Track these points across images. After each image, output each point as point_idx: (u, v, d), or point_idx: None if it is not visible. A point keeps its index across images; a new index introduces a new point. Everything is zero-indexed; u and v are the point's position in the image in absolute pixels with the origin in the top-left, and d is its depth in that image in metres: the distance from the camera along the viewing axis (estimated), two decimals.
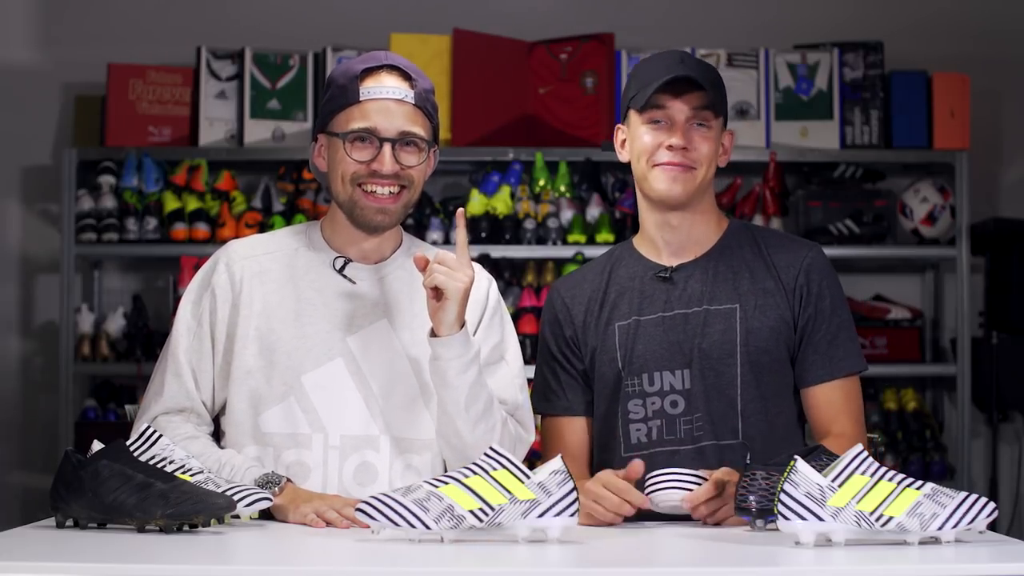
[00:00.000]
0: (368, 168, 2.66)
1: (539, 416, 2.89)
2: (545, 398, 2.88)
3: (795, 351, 2.78)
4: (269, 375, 2.66)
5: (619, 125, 2.86)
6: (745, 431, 2.72)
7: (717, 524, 2.52)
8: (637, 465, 2.55)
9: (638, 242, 2.89)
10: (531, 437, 2.77)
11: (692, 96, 2.75)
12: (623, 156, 2.85)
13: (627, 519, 2.56)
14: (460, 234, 2.62)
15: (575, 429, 2.86)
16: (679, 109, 2.75)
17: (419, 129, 2.68)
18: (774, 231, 2.92)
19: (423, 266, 2.57)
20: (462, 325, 2.59)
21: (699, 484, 2.52)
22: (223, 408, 2.72)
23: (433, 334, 2.59)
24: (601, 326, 2.83)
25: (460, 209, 2.65)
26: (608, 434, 2.80)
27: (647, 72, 2.79)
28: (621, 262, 2.88)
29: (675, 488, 2.52)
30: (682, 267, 2.82)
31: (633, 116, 2.80)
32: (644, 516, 2.59)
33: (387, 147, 2.65)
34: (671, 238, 2.83)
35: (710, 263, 2.81)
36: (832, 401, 2.76)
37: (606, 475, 2.57)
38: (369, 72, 2.67)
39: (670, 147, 2.75)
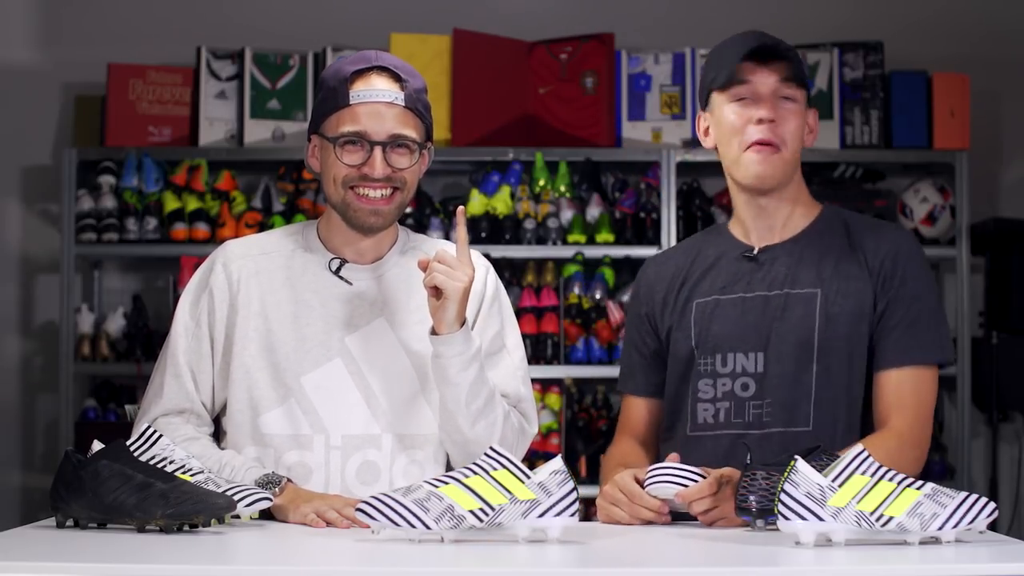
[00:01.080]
0: (359, 172, 2.65)
1: (619, 393, 2.97)
2: (620, 375, 2.93)
3: (874, 337, 2.70)
4: (269, 377, 2.66)
5: (701, 112, 2.82)
6: (817, 419, 2.66)
7: (712, 524, 2.51)
8: (673, 458, 2.55)
9: (732, 223, 2.87)
10: (534, 429, 2.78)
11: (777, 66, 2.71)
12: (707, 143, 2.80)
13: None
14: (460, 232, 2.62)
15: (640, 409, 2.88)
16: (764, 81, 2.71)
17: (410, 131, 2.67)
18: (865, 216, 2.86)
19: (425, 266, 2.57)
20: (463, 323, 2.59)
21: (696, 481, 2.50)
22: (223, 408, 2.72)
23: (434, 332, 2.60)
24: (680, 303, 2.81)
25: (460, 207, 2.65)
26: (675, 413, 2.79)
27: (726, 51, 2.76)
28: (710, 241, 2.87)
29: (670, 483, 2.50)
30: (768, 249, 2.79)
31: (716, 97, 2.76)
32: (676, 516, 2.56)
33: (377, 151, 2.64)
34: (761, 221, 2.80)
35: (797, 247, 2.77)
36: (897, 389, 2.66)
37: (623, 479, 2.56)
38: (359, 74, 2.66)
39: (759, 121, 2.70)
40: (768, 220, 2.79)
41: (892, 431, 2.64)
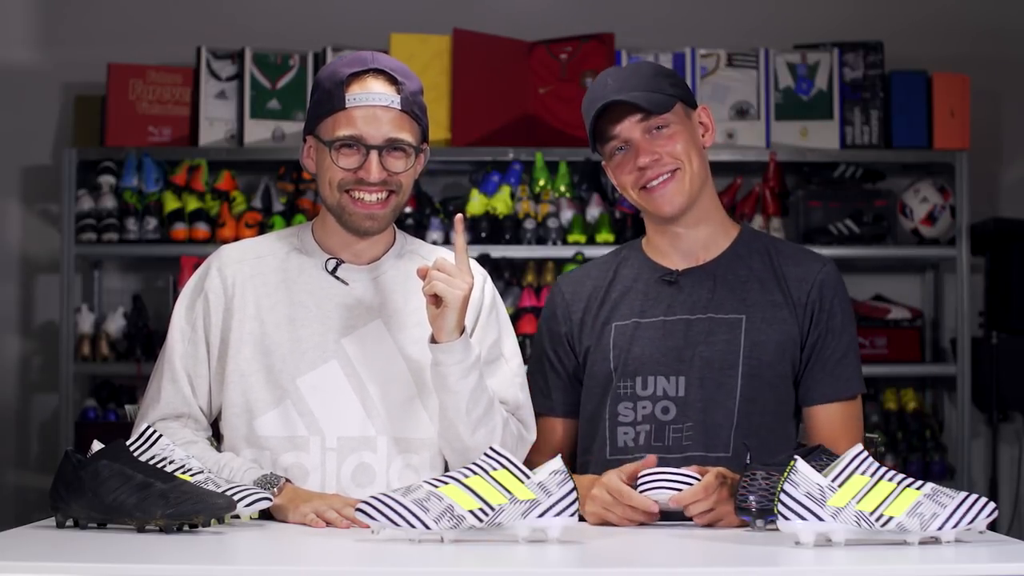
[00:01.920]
0: (355, 175, 2.64)
1: None
2: (532, 394, 2.85)
3: (800, 368, 2.73)
4: (264, 379, 2.66)
5: (604, 164, 2.81)
6: (736, 447, 2.66)
7: (710, 525, 2.50)
8: (650, 460, 2.54)
9: (646, 244, 2.86)
10: (532, 436, 2.76)
11: (632, 116, 2.71)
12: (621, 190, 2.81)
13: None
14: (459, 240, 2.61)
15: (555, 429, 2.85)
16: (629, 128, 2.71)
17: (406, 135, 2.66)
18: (787, 243, 2.87)
19: (424, 274, 2.57)
20: (462, 331, 2.59)
21: (690, 485, 2.49)
22: (220, 413, 2.72)
23: (433, 340, 2.59)
24: (599, 325, 2.80)
25: (459, 215, 2.63)
26: (593, 435, 2.77)
27: (586, 112, 2.74)
28: (627, 262, 2.85)
29: (664, 488, 2.49)
30: (689, 272, 2.77)
31: (606, 152, 2.77)
32: (668, 516, 2.55)
33: (373, 154, 2.63)
34: (678, 246, 2.79)
35: (718, 270, 2.76)
36: (834, 422, 2.72)
37: (610, 480, 2.54)
38: (355, 77, 2.65)
39: (641, 168, 2.71)
40: (685, 244, 2.78)
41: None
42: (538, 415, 2.81)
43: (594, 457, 2.76)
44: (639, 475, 2.52)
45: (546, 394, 2.85)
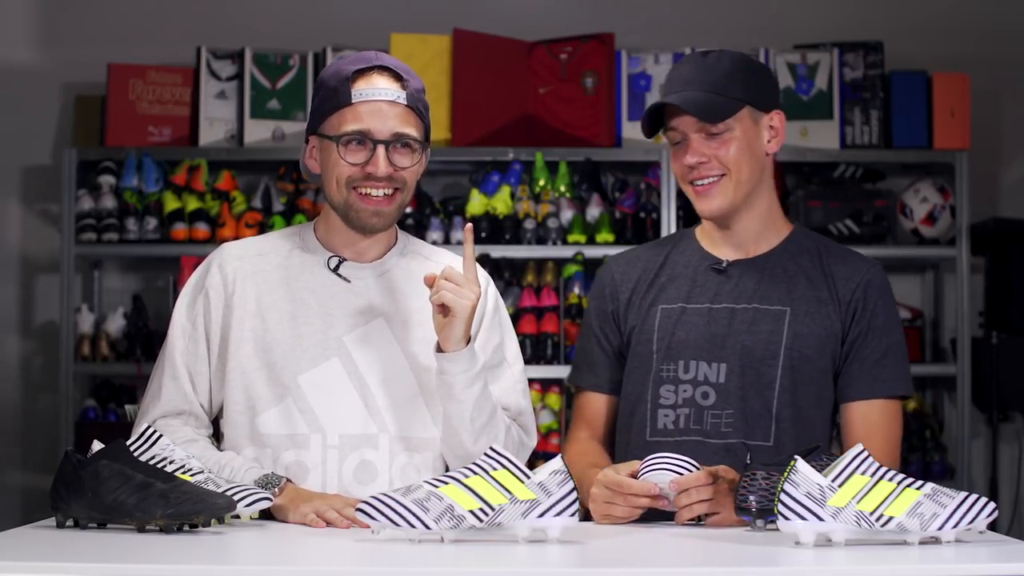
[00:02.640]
0: (362, 171, 2.65)
1: (572, 385, 2.95)
2: (577, 368, 2.90)
3: (840, 366, 2.74)
4: (265, 377, 2.66)
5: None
6: (778, 436, 2.68)
7: (698, 520, 2.49)
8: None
9: (699, 232, 2.87)
10: (533, 442, 2.78)
11: (688, 116, 2.73)
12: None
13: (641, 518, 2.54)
14: (467, 249, 2.62)
15: (598, 405, 2.88)
16: (687, 124, 2.73)
17: (412, 130, 2.67)
18: (838, 245, 2.88)
19: (431, 283, 2.57)
20: (468, 340, 2.59)
21: (691, 471, 2.48)
22: (221, 410, 2.72)
23: (439, 348, 2.59)
24: (645, 306, 2.81)
25: (469, 224, 2.65)
26: (633, 415, 2.79)
27: (661, 95, 2.78)
28: (679, 248, 2.87)
29: (666, 470, 2.48)
30: (738, 263, 2.80)
31: (668, 137, 2.79)
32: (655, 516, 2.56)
33: (381, 149, 2.64)
34: (730, 239, 2.81)
35: (767, 263, 2.79)
36: (869, 421, 2.72)
37: (608, 475, 2.54)
38: (360, 73, 2.66)
39: (690, 167, 2.73)
40: (736, 238, 2.81)
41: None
42: (583, 390, 2.88)
43: (634, 438, 2.78)
44: (642, 462, 2.52)
45: (592, 370, 2.88)
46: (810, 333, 2.72)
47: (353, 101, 2.64)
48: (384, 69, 2.67)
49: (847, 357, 2.74)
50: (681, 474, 2.47)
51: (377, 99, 2.64)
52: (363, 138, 2.64)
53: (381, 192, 2.66)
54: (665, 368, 2.75)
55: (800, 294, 2.75)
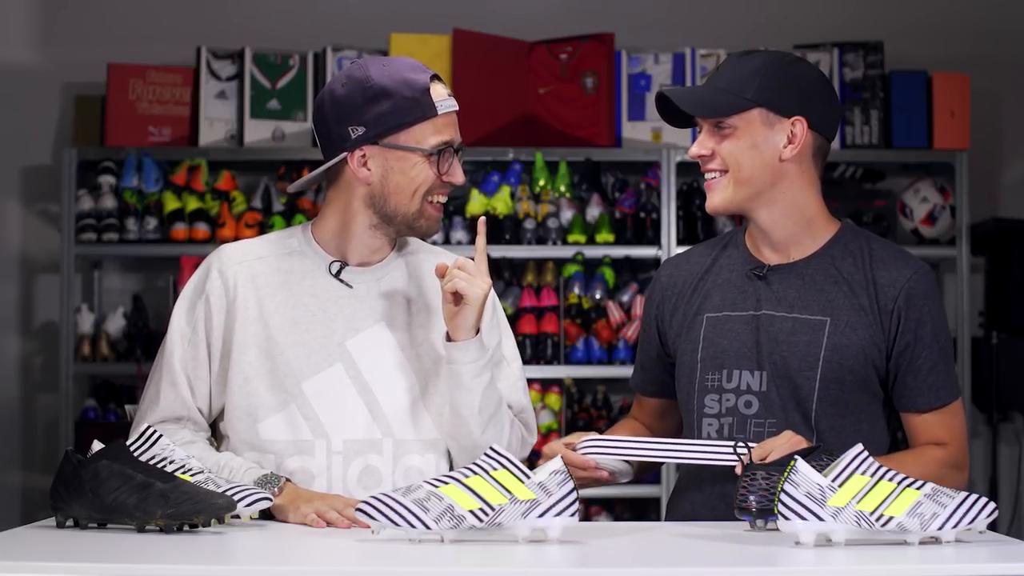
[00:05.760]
0: (440, 180, 2.67)
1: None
2: (634, 369, 2.96)
3: (886, 374, 2.70)
4: (268, 383, 2.65)
5: None
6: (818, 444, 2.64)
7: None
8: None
9: (747, 233, 2.82)
10: (533, 439, 2.79)
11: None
12: None
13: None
14: (480, 241, 2.64)
15: (642, 406, 2.93)
16: (700, 116, 2.73)
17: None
18: (887, 244, 2.79)
19: (443, 273, 2.58)
20: (477, 330, 2.60)
21: (640, 449, 2.61)
22: (220, 415, 2.71)
23: (448, 338, 2.60)
24: (691, 314, 2.79)
25: (482, 218, 2.68)
26: (686, 423, 2.80)
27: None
28: (727, 251, 2.82)
29: (607, 455, 2.61)
30: (778, 268, 2.74)
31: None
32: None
33: (457, 159, 2.68)
34: (765, 239, 2.76)
35: (808, 269, 2.72)
36: (933, 429, 2.71)
37: (550, 446, 2.68)
38: (431, 82, 2.67)
39: (695, 157, 2.73)
40: (770, 239, 2.74)
41: (939, 449, 2.70)
42: (631, 390, 3.01)
43: None
44: (580, 441, 2.64)
45: (638, 370, 2.93)
46: (850, 344, 2.67)
47: (439, 112, 2.65)
48: (437, 77, 2.69)
49: (899, 370, 2.70)
50: (628, 462, 2.63)
51: (452, 110, 2.67)
52: (448, 148, 2.66)
53: (445, 199, 2.70)
54: (710, 377, 2.74)
55: (840, 303, 2.69)
